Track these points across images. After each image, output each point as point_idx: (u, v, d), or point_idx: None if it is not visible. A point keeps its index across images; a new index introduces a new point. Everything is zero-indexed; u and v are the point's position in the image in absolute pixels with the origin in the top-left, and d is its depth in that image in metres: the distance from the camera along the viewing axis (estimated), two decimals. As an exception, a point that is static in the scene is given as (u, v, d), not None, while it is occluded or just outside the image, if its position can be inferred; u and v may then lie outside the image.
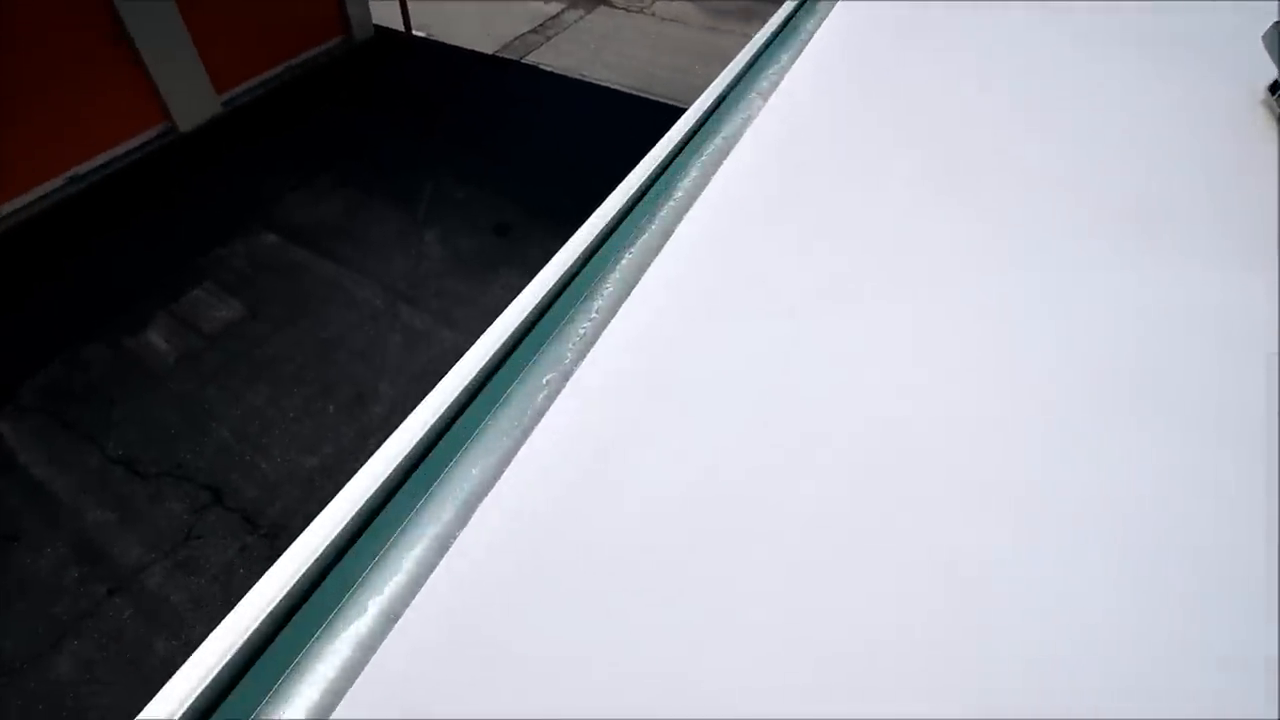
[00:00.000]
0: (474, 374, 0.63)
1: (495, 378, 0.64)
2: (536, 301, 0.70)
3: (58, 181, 5.88)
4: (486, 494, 0.54)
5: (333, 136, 6.92)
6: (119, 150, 6.25)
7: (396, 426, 0.59)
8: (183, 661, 0.47)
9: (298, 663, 0.48)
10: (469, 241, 5.84)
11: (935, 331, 0.68)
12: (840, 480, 0.57)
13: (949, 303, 0.71)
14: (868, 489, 0.56)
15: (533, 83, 7.96)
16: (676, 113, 1.08)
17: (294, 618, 0.50)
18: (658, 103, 7.42)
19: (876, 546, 0.53)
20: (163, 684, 0.46)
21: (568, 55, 8.35)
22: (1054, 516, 0.57)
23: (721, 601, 0.50)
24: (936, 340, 0.67)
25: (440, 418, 0.60)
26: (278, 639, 0.50)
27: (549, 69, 8.15)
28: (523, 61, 8.32)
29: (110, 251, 5.55)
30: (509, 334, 0.68)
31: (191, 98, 6.60)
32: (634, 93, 7.67)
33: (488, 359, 0.65)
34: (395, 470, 0.57)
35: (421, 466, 0.58)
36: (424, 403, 0.61)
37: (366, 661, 0.47)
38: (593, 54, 8.34)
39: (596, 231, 0.79)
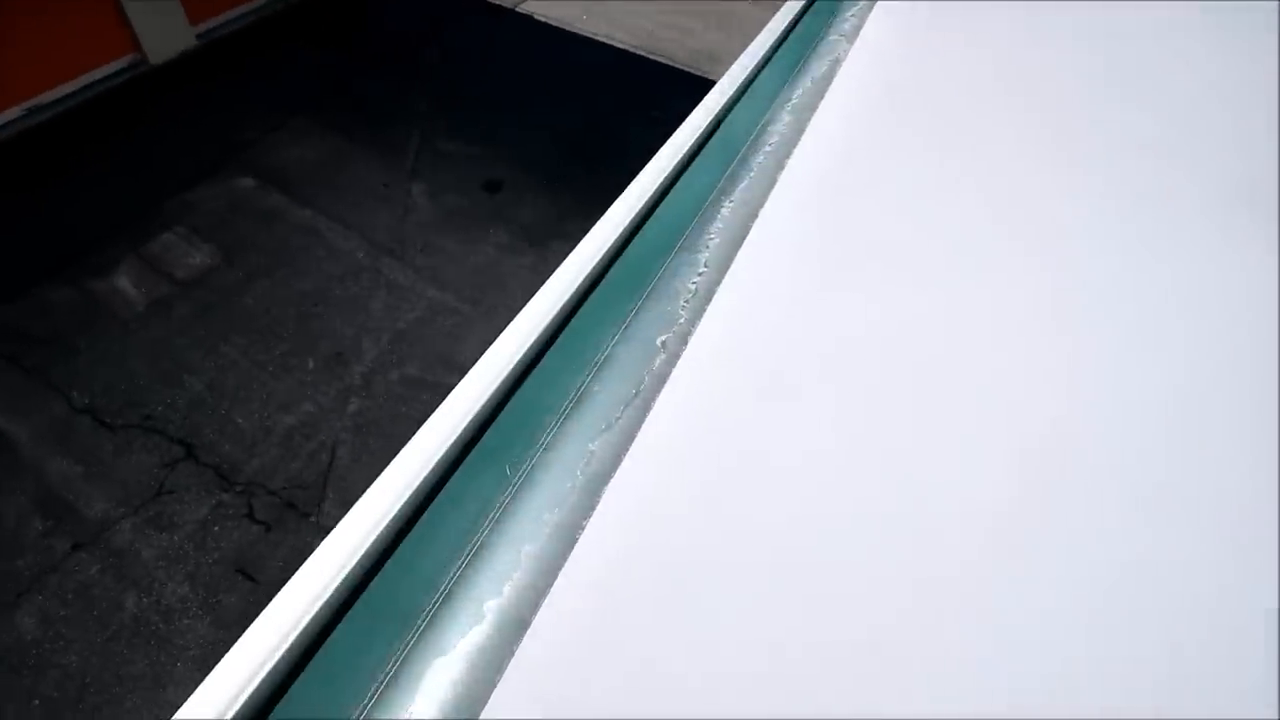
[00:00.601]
0: (546, 322, 0.52)
1: (592, 333, 0.52)
2: (608, 247, 0.59)
3: (15, 112, 5.50)
4: (611, 476, 0.44)
5: (315, 78, 6.56)
6: (83, 81, 5.85)
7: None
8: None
9: (394, 675, 0.40)
10: (458, 198, 5.62)
11: (1070, 309, 0.60)
12: (995, 469, 0.49)
13: (1080, 278, 0.62)
14: (1025, 479, 0.48)
15: (526, 33, 7.61)
16: (679, 76, 0.95)
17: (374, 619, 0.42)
18: (658, 64, 7.16)
19: (1041, 547, 0.46)
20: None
21: (564, 7, 8.00)
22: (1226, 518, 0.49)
23: (880, 598, 0.43)
24: (1071, 320, 0.59)
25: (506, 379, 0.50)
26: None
27: (543, 19, 7.80)
28: (516, 10, 7.96)
29: (75, 189, 5.22)
30: (580, 282, 0.56)
31: (164, 28, 6.19)
32: (633, 51, 7.38)
33: (559, 307, 0.54)
34: (455, 447, 0.46)
35: (501, 442, 0.48)
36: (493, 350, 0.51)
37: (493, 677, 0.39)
38: (590, 7, 8.00)
39: (673, 164, 0.67)
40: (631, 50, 7.41)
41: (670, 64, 7.12)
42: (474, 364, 0.55)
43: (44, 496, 3.67)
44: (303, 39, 6.98)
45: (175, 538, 3.60)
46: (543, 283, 0.59)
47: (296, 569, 0.48)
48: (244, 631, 0.43)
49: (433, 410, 0.54)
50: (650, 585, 0.43)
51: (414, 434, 0.51)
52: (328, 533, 0.48)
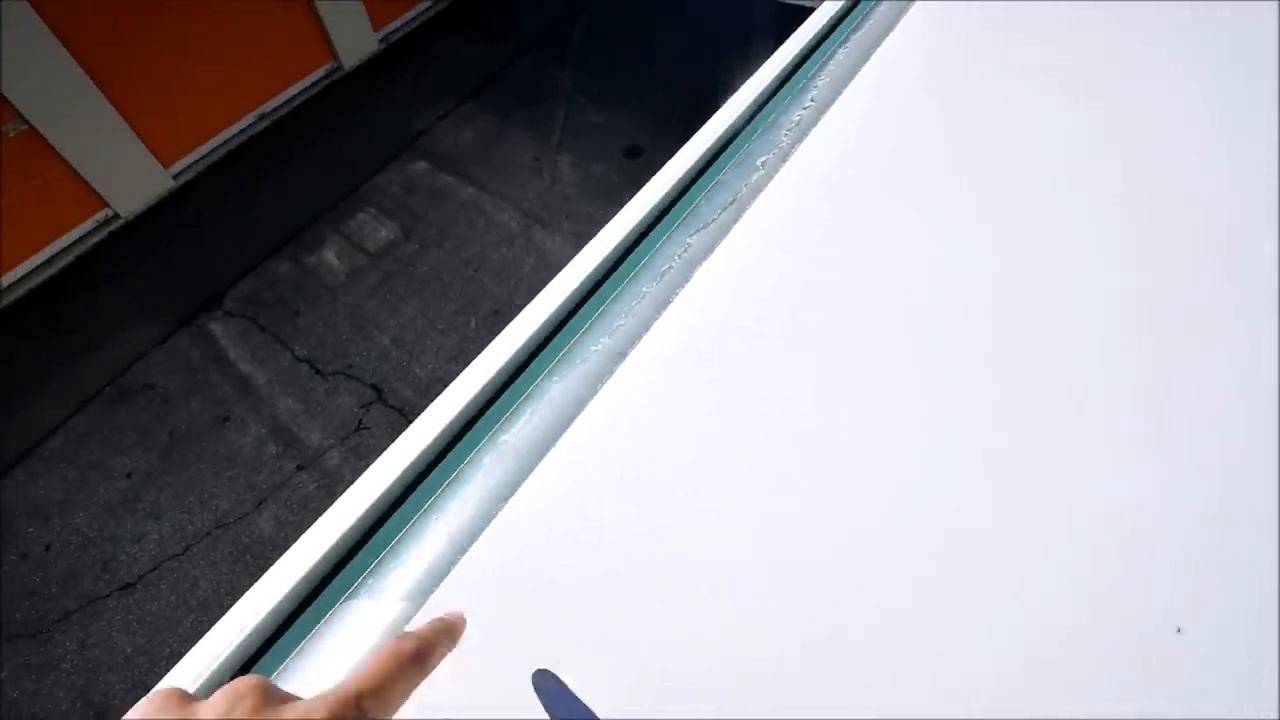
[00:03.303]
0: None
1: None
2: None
3: (250, 118, 6.65)
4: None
5: (474, 65, 7.18)
6: (296, 88, 6.92)
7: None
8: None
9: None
10: (600, 166, 5.91)
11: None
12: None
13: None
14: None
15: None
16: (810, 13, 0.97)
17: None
18: (791, 4, 6.91)
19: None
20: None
21: (704, -32, 7.93)
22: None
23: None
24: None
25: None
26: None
27: (684, -16, 7.81)
28: (657, -21, 8.04)
29: (292, 179, 6.23)
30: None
31: (353, 37, 7.11)
32: None
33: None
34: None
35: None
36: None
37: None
38: (730, -36, 7.85)
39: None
40: None
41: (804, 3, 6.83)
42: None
43: (277, 427, 4.52)
44: (463, 30, 7.65)
45: (369, 464, 4.27)
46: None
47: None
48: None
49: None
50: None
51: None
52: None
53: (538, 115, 6.51)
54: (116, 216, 5.88)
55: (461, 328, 4.97)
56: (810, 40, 0.92)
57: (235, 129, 6.56)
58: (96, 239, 5.78)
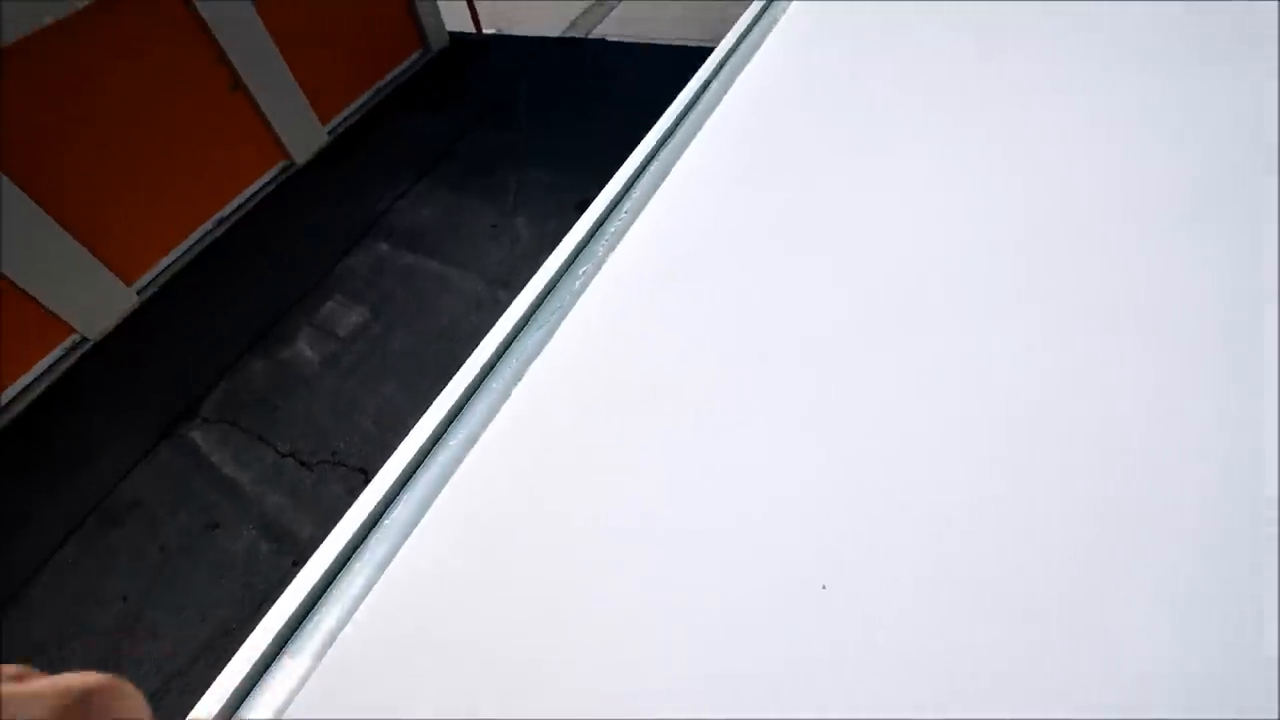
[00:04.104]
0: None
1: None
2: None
3: (209, 224, 6.76)
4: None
5: (427, 142, 7.38)
6: (252, 189, 7.06)
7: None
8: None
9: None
10: (555, 222, 6.06)
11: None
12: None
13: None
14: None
15: (601, 57, 8.02)
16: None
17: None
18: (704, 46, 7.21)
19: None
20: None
21: (633, 22, 8.32)
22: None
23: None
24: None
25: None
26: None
27: (615, 39, 8.17)
28: (590, 37, 8.40)
29: (257, 278, 6.31)
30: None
31: (302, 132, 7.31)
32: (703, 44, 7.49)
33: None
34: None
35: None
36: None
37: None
38: (657, 13, 8.24)
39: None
40: (700, 44, 7.53)
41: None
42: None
43: (268, 525, 4.48)
44: (411, 109, 7.89)
45: (366, 550, 4.24)
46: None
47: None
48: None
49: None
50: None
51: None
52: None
53: (491, 182, 6.69)
54: (85, 340, 5.90)
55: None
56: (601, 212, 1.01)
57: (195, 237, 6.66)
58: (67, 365, 5.78)
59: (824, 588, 0.51)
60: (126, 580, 4.40)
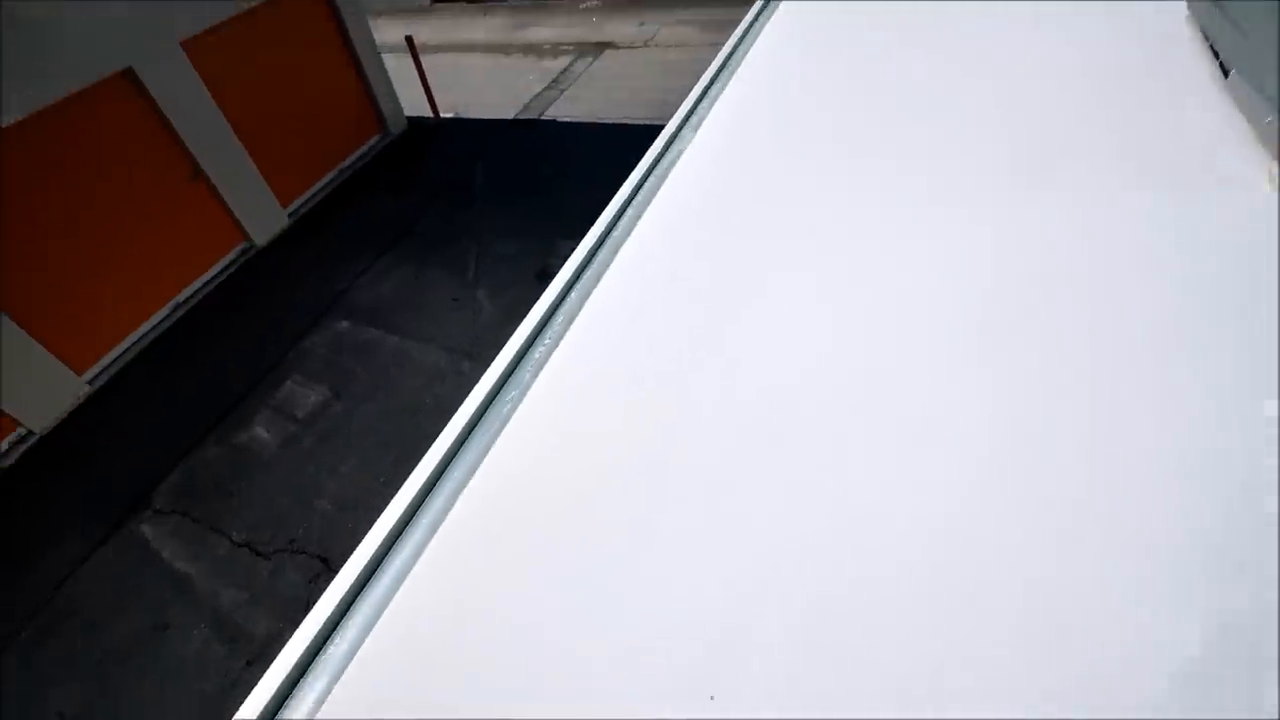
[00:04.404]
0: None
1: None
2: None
3: (164, 310, 6.70)
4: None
5: (388, 222, 7.52)
6: (210, 274, 7.06)
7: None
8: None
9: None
10: (516, 291, 6.17)
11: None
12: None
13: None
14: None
15: (555, 135, 8.38)
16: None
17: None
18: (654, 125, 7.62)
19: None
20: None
21: (583, 102, 8.74)
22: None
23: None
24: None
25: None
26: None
27: (568, 119, 8.55)
28: (543, 118, 8.78)
29: (214, 362, 6.22)
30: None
31: (263, 215, 7.39)
32: (649, 122, 7.90)
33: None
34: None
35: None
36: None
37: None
38: (605, 96, 8.69)
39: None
40: (646, 122, 7.94)
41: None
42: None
43: (221, 623, 4.27)
44: (371, 194, 8.06)
45: (325, 641, 4.06)
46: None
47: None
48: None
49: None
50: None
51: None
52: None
53: (452, 257, 6.81)
54: (31, 434, 5.70)
55: (404, 475, 4.91)
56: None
57: (150, 324, 6.58)
58: (11, 460, 5.56)
59: (712, 697, 0.55)
60: (67, 694, 4.12)
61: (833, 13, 1.46)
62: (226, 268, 7.17)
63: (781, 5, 1.61)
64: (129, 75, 5.91)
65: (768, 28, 1.52)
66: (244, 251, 7.33)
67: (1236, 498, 0.54)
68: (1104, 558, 0.54)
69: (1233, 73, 0.88)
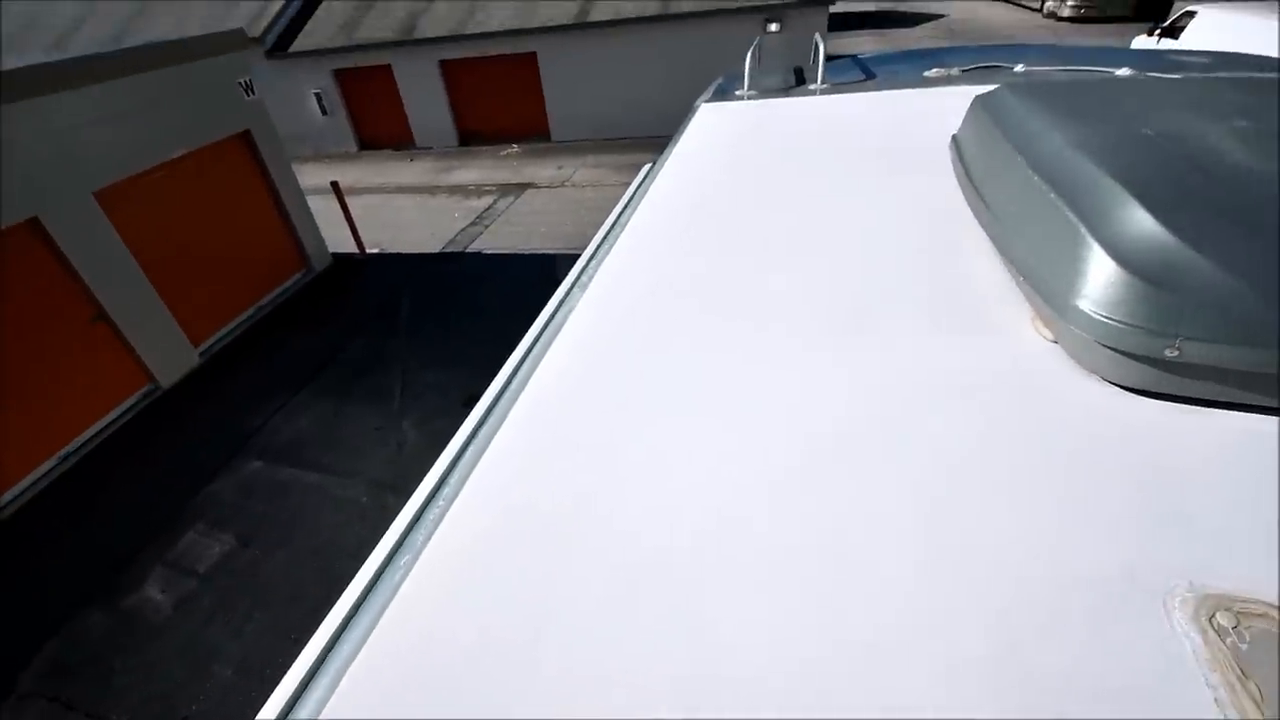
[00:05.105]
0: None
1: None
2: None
3: (52, 461, 6.16)
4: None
5: (306, 358, 7.39)
6: (108, 419, 6.61)
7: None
8: None
9: None
10: (443, 421, 6.09)
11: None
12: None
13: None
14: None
15: (478, 267, 8.70)
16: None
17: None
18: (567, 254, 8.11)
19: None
20: None
21: (506, 237, 9.20)
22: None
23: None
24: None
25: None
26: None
27: (491, 252, 8.94)
28: (468, 251, 9.14)
29: (104, 516, 5.69)
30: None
31: (170, 356, 7.12)
32: (568, 252, 8.38)
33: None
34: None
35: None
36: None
37: None
38: (527, 230, 9.20)
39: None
40: (565, 252, 8.42)
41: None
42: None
43: (87, 832, 3.62)
44: (291, 330, 7.96)
45: (218, 839, 3.49)
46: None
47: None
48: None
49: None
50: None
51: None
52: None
53: (376, 388, 6.72)
54: None
55: (318, 627, 4.51)
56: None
57: (31, 478, 6.01)
58: None
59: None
60: None
61: (712, 170, 1.73)
62: (126, 412, 6.76)
63: (670, 158, 1.88)
64: (34, 223, 5.81)
65: (657, 181, 1.77)
66: (148, 394, 6.96)
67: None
68: (927, 672, 0.63)
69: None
